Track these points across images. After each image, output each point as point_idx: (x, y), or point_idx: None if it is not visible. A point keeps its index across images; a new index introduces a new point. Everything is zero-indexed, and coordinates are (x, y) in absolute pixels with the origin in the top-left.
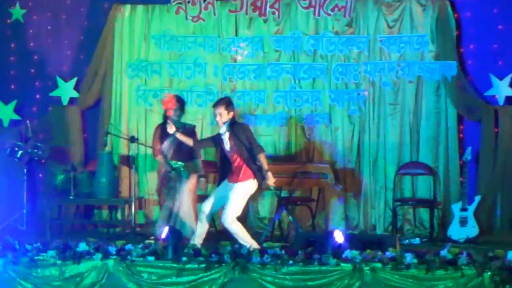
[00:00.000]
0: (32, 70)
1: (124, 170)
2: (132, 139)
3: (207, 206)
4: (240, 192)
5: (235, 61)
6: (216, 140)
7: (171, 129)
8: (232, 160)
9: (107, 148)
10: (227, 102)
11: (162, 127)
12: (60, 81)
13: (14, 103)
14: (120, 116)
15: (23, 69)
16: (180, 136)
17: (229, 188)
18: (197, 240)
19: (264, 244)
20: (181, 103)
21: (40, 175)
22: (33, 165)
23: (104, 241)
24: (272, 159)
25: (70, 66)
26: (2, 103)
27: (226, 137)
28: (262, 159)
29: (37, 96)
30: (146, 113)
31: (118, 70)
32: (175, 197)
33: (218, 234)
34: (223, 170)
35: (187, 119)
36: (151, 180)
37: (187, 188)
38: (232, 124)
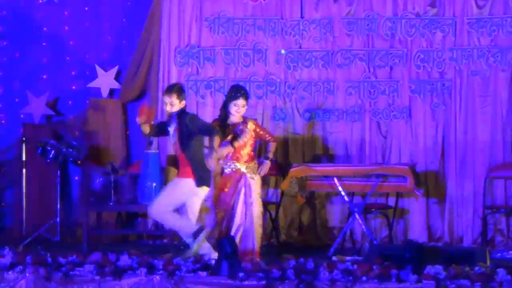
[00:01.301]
0: (67, 58)
1: (173, 172)
2: None
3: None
4: (177, 186)
5: (300, 46)
6: (163, 129)
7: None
8: (177, 153)
9: (153, 148)
10: (179, 90)
11: (220, 123)
12: (99, 70)
13: (46, 95)
14: None
15: (56, 57)
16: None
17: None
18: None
19: (334, 258)
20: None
21: (76, 178)
22: (68, 167)
23: (150, 254)
24: (342, 159)
25: (110, 53)
26: (32, 96)
27: (173, 128)
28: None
29: (73, 87)
30: (198, 107)
31: (165, 58)
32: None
33: (280, 246)
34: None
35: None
36: None
37: (256, 191)
38: (181, 114)
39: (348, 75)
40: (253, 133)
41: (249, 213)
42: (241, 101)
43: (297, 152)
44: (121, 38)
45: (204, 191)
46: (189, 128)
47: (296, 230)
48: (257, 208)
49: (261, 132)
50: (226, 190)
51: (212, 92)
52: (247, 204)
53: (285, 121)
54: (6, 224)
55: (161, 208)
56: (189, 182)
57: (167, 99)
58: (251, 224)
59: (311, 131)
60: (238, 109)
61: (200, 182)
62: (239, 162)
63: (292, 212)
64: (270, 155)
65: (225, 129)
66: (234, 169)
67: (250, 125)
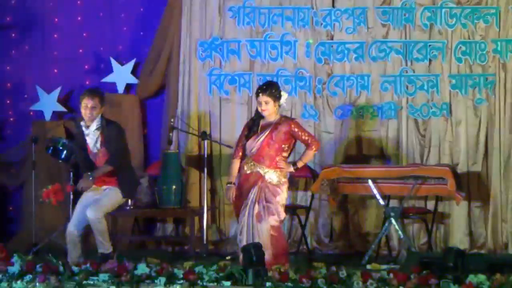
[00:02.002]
0: (80, 50)
1: (194, 174)
2: (204, 136)
3: (71, 225)
4: (115, 195)
5: (332, 38)
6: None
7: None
8: (97, 164)
9: (173, 147)
10: (102, 94)
11: (250, 122)
12: (114, 64)
13: (58, 91)
14: (189, 107)
15: (69, 49)
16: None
17: (97, 192)
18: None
19: (368, 266)
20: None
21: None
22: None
23: (169, 262)
24: (378, 160)
25: (127, 46)
26: (43, 91)
27: (95, 135)
28: (104, 169)
29: (87, 82)
30: (221, 104)
31: (186, 51)
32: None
33: (310, 254)
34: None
35: None
36: None
37: (274, 198)
38: (106, 122)
39: (383, 68)
40: (282, 136)
41: (260, 223)
42: (261, 97)
43: (328, 152)
44: (138, 29)
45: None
46: (117, 138)
47: (327, 237)
48: (272, 219)
49: (299, 133)
50: (242, 191)
51: (237, 88)
52: (252, 209)
53: (315, 118)
54: (15, 229)
55: (102, 214)
56: (117, 190)
57: (89, 101)
58: (261, 234)
59: (343, 129)
60: (261, 107)
61: (128, 194)
62: (261, 164)
63: (323, 217)
64: (299, 164)
65: (252, 128)
66: (253, 171)
67: (285, 126)
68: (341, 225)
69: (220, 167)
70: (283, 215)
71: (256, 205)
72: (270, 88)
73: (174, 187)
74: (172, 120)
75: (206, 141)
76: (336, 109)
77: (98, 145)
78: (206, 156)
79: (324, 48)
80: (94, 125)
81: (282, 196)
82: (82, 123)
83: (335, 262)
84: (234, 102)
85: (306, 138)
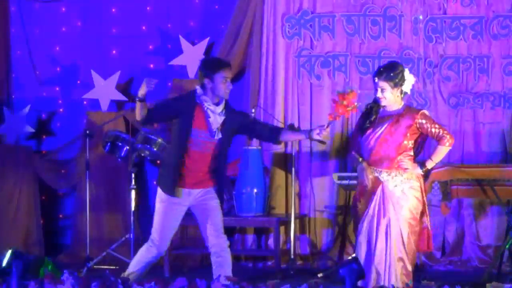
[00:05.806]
0: (143, 27)
1: (279, 175)
2: (291, 129)
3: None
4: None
5: (444, 12)
6: (184, 114)
7: None
8: (209, 154)
9: (254, 143)
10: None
11: (363, 114)
12: (184, 43)
13: (116, 76)
14: (273, 94)
15: (128, 26)
16: None
17: (199, 196)
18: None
19: (488, 285)
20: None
21: (155, 183)
22: (144, 168)
23: (250, 280)
24: (499, 158)
25: (199, 22)
26: (99, 77)
27: (217, 118)
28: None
29: (151, 65)
30: (312, 91)
31: (270, 28)
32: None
33: (418, 270)
34: (180, 169)
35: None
36: (319, 190)
37: (403, 210)
38: (227, 102)
39: (506, 48)
40: (403, 130)
41: (386, 240)
42: (377, 83)
43: None
44: (212, 2)
45: None
46: (236, 123)
47: (439, 249)
48: (402, 235)
49: (427, 125)
50: (359, 204)
51: (331, 71)
52: (380, 226)
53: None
54: (67, 240)
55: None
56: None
57: (228, 73)
58: (383, 255)
59: (458, 121)
60: (377, 94)
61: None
62: (378, 167)
63: (433, 226)
64: (429, 163)
65: (364, 121)
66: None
67: (408, 119)
68: (455, 236)
69: (310, 166)
70: (408, 232)
71: (380, 220)
72: (387, 70)
73: (255, 190)
74: (253, 110)
75: None
76: (449, 97)
77: (217, 134)
78: (294, 153)
79: (435, 24)
80: (219, 107)
81: (414, 206)
82: (202, 97)
83: (448, 280)
84: (327, 89)
85: (437, 131)
